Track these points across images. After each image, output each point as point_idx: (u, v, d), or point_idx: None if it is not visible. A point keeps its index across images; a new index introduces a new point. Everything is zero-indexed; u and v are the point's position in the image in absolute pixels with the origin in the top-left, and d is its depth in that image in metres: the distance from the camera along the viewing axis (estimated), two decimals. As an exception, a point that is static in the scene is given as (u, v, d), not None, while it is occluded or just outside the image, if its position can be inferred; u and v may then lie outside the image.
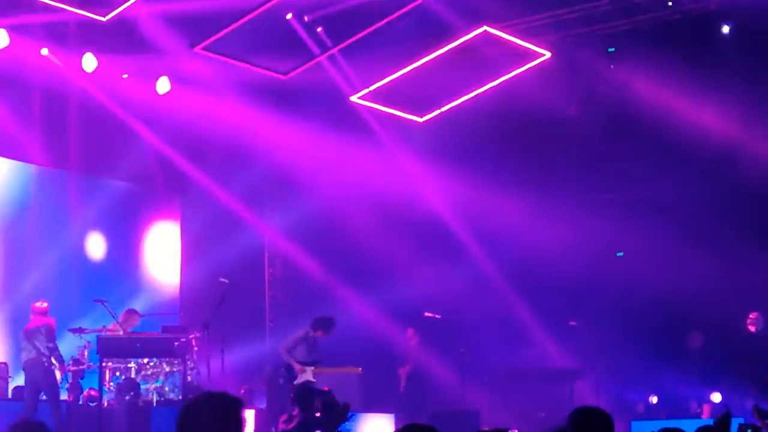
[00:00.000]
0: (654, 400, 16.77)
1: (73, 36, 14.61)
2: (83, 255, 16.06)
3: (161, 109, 16.01)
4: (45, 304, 13.19)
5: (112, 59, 15.17)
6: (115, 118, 15.61)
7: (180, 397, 13.30)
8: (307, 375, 13.92)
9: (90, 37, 14.68)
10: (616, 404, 15.44)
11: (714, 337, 16.52)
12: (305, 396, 13.86)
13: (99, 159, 15.99)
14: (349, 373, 15.76)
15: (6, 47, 13.93)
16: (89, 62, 14.91)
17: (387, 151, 17.47)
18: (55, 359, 12.95)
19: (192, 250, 17.66)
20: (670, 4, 14.82)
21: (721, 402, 15.45)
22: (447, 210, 17.44)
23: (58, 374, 13.01)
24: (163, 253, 17.58)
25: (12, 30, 13.96)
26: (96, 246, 16.16)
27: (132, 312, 14.36)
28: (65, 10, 13.51)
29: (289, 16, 14.93)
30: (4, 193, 15.43)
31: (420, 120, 17.12)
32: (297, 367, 13.91)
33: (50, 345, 12.88)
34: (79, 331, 13.98)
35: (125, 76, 15.54)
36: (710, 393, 16.12)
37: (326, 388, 14.14)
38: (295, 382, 13.91)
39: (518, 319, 16.68)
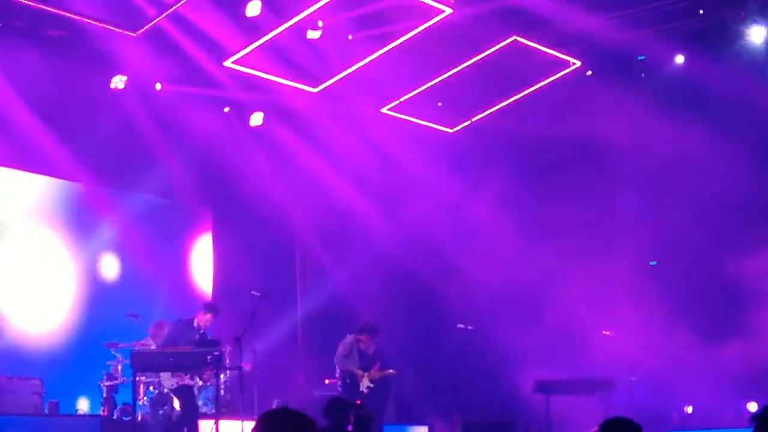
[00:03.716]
0: (689, 410, 16.59)
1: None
2: (116, 270, 16.11)
3: (194, 123, 16.11)
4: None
5: (143, 68, 15.21)
6: (147, 132, 15.65)
7: (213, 411, 13.31)
8: (366, 381, 14.04)
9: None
10: (651, 414, 15.28)
11: (750, 346, 16.31)
12: (338, 408, 13.85)
13: (130, 173, 16.03)
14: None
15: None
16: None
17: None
18: None
19: (224, 263, 17.68)
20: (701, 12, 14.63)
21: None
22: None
23: None
24: (195, 267, 17.63)
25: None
26: (129, 260, 16.21)
27: (162, 324, 14.41)
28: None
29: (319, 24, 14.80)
30: (37, 208, 15.50)
31: (450, 131, 17.09)
32: (358, 372, 14.19)
33: None
34: (113, 345, 14.08)
35: (158, 86, 15.57)
36: (747, 403, 15.92)
37: (358, 401, 14.13)
38: (361, 389, 14.06)
39: (551, 329, 16.56)
